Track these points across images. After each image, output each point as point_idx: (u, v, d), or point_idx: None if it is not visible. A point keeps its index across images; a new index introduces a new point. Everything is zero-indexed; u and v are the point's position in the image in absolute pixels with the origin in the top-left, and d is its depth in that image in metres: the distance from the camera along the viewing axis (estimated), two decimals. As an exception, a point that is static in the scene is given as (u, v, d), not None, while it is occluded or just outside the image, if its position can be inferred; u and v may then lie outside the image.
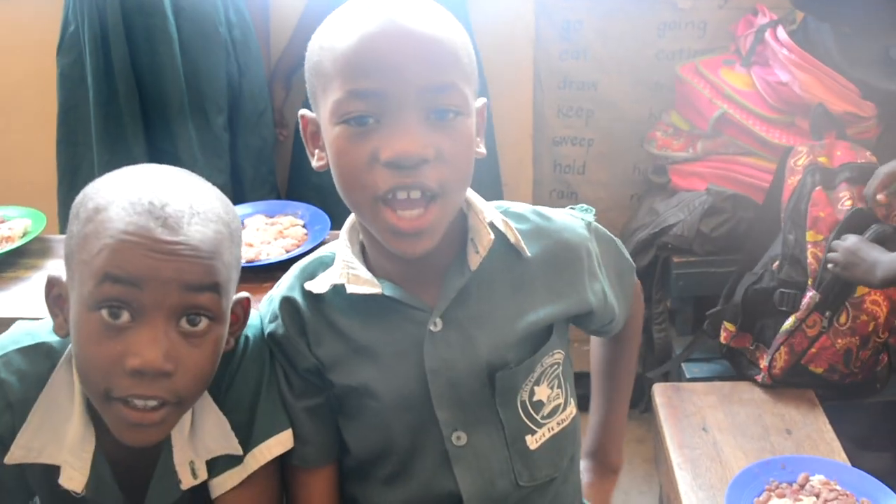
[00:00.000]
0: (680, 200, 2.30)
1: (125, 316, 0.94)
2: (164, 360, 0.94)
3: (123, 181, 0.99)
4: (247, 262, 1.73)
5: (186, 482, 1.09)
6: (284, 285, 1.13)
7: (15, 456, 1.05)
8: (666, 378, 2.13)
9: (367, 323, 1.08)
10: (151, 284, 0.93)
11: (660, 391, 1.87)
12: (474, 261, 1.05)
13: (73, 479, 1.05)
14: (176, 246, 0.93)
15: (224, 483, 1.11)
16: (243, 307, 1.09)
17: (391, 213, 0.95)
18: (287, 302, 1.11)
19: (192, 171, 2.13)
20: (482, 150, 1.05)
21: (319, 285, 1.07)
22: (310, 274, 1.11)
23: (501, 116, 2.53)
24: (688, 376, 2.05)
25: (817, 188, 1.87)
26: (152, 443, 1.00)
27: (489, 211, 1.08)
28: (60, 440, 1.05)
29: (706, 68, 2.36)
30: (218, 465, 1.11)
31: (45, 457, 1.05)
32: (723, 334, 1.96)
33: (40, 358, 1.06)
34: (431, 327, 1.06)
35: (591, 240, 1.17)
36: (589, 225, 1.19)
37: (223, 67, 2.34)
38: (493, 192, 2.48)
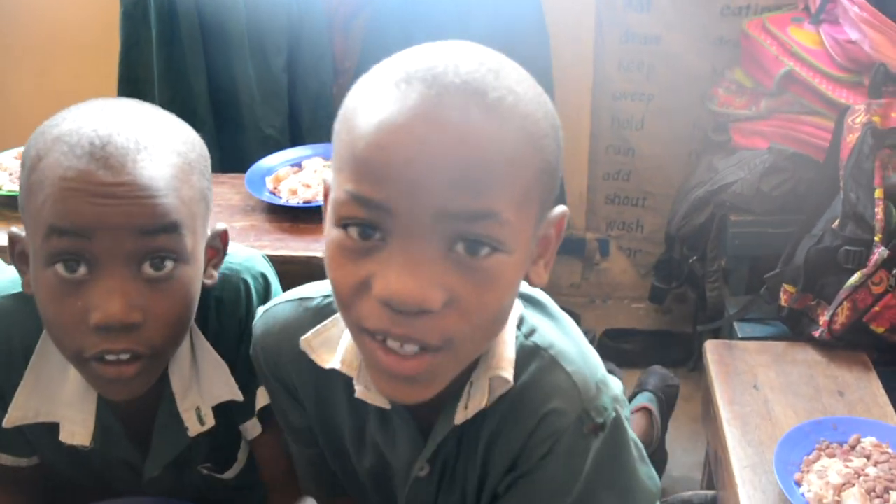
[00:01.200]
0: (740, 159, 2.26)
1: (82, 269, 0.86)
2: (129, 311, 0.86)
3: (66, 122, 0.90)
4: (304, 202, 1.75)
5: (193, 429, 1.04)
6: (259, 332, 1.00)
7: (13, 418, 1.02)
8: (716, 336, 2.11)
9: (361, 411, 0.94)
10: (100, 233, 0.85)
11: (711, 348, 1.86)
12: (460, 414, 0.87)
13: (76, 434, 1.02)
14: (121, 187, 0.84)
15: (252, 429, 1.11)
16: (222, 240, 1.02)
17: (380, 348, 0.75)
18: (267, 354, 0.99)
19: (251, 111, 2.13)
20: (541, 278, 0.82)
21: (321, 353, 0.90)
22: (296, 326, 0.94)
23: (561, 69, 2.50)
24: (739, 335, 2.03)
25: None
26: (136, 395, 0.94)
27: (507, 353, 0.85)
28: (58, 396, 1.02)
29: (774, 25, 2.30)
30: (244, 411, 1.09)
31: (44, 415, 1.02)
32: (782, 297, 1.93)
33: (31, 306, 0.96)
34: (418, 472, 0.93)
35: (591, 437, 0.87)
36: (606, 416, 0.87)
37: (284, 8, 2.34)
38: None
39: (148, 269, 0.88)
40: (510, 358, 0.85)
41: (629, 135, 2.71)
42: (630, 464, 0.91)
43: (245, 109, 2.34)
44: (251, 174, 1.87)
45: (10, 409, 1.02)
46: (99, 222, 0.84)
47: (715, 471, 1.72)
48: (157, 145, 0.88)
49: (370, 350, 0.75)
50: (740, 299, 2.16)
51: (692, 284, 2.46)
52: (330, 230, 0.75)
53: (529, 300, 0.93)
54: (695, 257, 2.36)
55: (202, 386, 1.03)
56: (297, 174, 1.88)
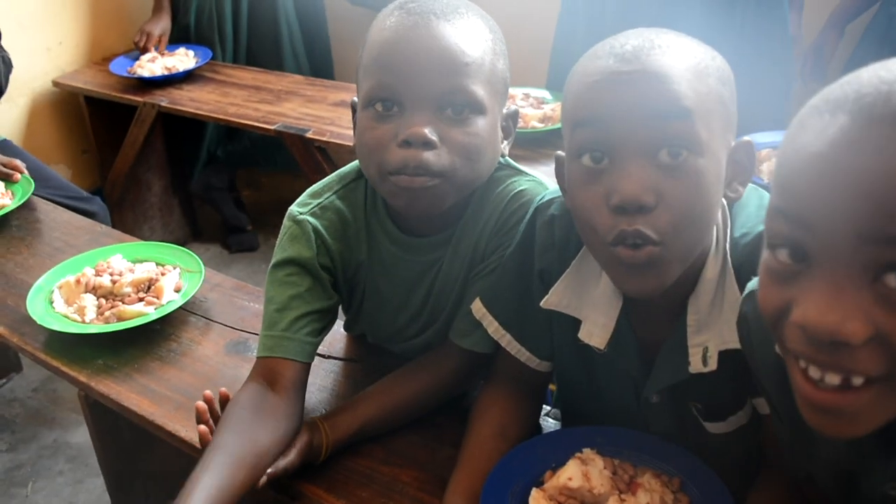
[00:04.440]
0: None
1: (605, 160, 0.93)
2: (643, 192, 0.90)
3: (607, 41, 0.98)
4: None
5: (695, 366, 1.04)
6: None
7: (550, 301, 1.12)
8: None
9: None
10: (615, 120, 0.91)
11: None
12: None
13: (594, 335, 1.09)
14: (632, 75, 0.91)
15: (762, 405, 1.05)
16: (746, 155, 0.98)
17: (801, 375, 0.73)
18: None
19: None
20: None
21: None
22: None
23: None
24: None
25: None
26: (650, 290, 0.96)
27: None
28: (588, 297, 1.09)
29: None
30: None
31: (572, 310, 1.11)
32: None
33: None
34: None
35: None
36: None
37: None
38: None
39: (665, 156, 0.91)
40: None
41: None
42: None
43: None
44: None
45: (550, 293, 1.12)
46: (614, 107, 0.91)
47: None
48: (674, 46, 0.93)
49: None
50: None
51: None
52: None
53: None
54: None
55: (718, 326, 1.03)
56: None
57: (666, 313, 1.05)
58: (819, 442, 0.90)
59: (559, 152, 1.04)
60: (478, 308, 1.19)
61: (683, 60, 0.92)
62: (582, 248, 1.09)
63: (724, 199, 0.99)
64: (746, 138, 0.98)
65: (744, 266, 1.00)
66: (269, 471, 1.11)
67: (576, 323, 1.11)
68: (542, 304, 1.12)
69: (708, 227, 0.98)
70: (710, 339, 1.02)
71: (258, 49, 3.33)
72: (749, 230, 1.02)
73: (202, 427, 1.12)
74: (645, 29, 0.96)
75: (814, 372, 0.68)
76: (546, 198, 1.15)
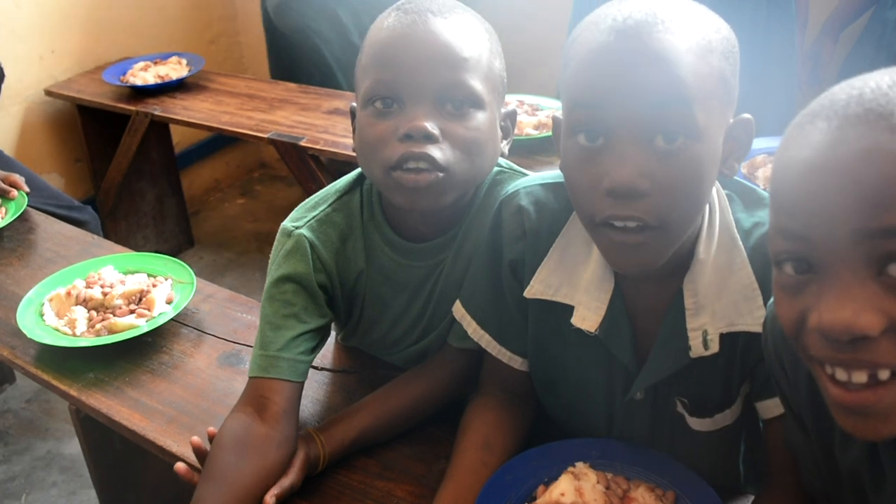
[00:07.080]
0: None
1: (600, 139, 0.92)
2: (637, 178, 0.90)
3: (600, 9, 0.95)
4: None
5: (696, 350, 1.03)
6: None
7: (534, 290, 1.10)
8: None
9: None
10: (612, 102, 0.90)
11: None
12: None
13: (587, 319, 1.07)
14: (633, 55, 0.88)
15: (772, 408, 1.03)
16: (745, 130, 0.98)
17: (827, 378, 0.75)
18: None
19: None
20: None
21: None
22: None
23: None
24: None
25: None
26: (641, 267, 0.97)
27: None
28: (577, 281, 1.08)
29: None
30: (766, 387, 1.03)
31: (561, 296, 1.09)
32: None
33: (559, 195, 1.10)
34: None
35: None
36: None
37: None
38: None
39: (660, 142, 0.90)
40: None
41: None
42: None
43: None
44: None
45: (532, 282, 1.11)
46: (613, 90, 0.89)
47: None
48: (675, 21, 0.90)
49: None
50: None
51: None
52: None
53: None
54: None
55: (719, 305, 1.02)
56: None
57: (660, 297, 1.04)
58: (840, 453, 0.89)
59: (556, 114, 1.03)
60: (457, 308, 1.19)
61: (687, 39, 0.90)
62: (560, 232, 1.09)
63: (724, 171, 0.98)
64: (746, 115, 0.98)
65: (757, 253, 1.02)
66: (274, 492, 1.09)
67: (558, 314, 1.10)
68: (525, 293, 1.11)
69: (701, 208, 0.98)
70: (708, 321, 1.02)
71: None
72: (760, 219, 1.04)
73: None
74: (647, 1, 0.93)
75: (840, 374, 0.70)
76: (510, 191, 1.14)
